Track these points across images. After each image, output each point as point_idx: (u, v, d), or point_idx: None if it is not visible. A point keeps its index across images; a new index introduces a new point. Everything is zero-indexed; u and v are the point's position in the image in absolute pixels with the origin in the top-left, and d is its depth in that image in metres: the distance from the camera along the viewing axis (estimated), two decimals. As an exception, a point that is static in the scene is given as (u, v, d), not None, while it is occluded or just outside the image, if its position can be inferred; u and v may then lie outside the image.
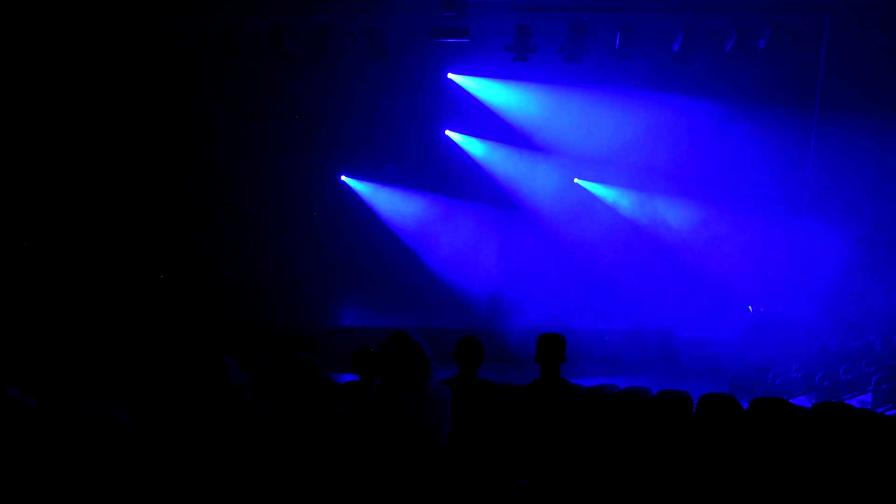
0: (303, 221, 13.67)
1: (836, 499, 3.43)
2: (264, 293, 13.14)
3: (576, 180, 13.53)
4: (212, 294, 12.97)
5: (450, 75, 13.11)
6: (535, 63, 11.66)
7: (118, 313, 12.03)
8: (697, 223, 12.89)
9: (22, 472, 3.34)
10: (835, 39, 11.59)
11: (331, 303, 13.48)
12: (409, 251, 13.74)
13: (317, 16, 10.89)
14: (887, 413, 7.55)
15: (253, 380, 5.55)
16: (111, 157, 12.25)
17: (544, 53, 11.43)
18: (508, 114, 13.33)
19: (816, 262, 11.71)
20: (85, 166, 12.06)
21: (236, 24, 10.89)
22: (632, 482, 3.35)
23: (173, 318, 12.59)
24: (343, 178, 13.81)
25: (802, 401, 8.94)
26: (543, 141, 13.28)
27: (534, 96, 13.12)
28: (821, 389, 9.08)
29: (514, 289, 12.85)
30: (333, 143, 13.48)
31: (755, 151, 12.27)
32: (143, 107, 12.54)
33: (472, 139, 13.68)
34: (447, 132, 13.64)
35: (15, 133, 10.96)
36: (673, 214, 13.13)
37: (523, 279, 13.03)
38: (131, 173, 12.49)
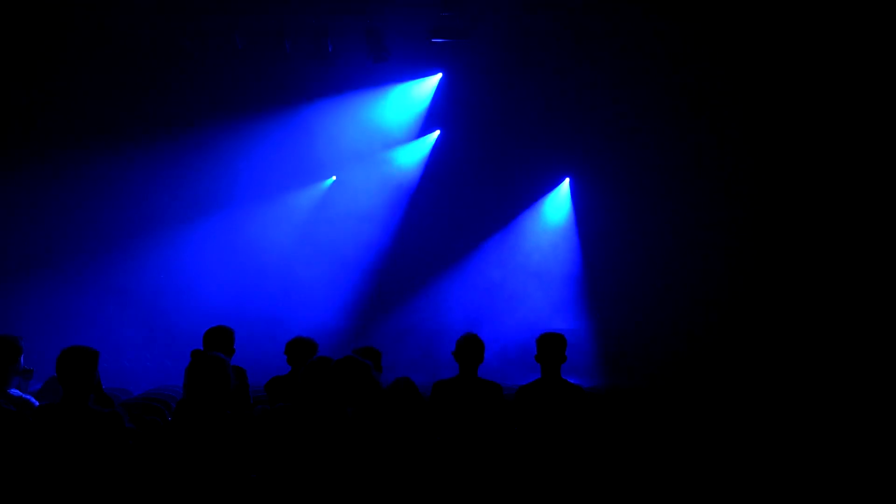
0: (300, 222, 13.65)
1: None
2: (261, 294, 13.10)
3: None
4: (209, 295, 12.94)
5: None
6: None
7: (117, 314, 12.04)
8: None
9: (22, 473, 3.34)
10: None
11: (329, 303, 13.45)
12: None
13: (317, 16, 10.86)
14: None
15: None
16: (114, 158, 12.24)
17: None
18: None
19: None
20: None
21: (236, 24, 10.85)
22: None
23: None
24: (333, 177, 13.78)
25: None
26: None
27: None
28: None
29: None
30: (331, 143, 13.47)
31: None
32: (143, 106, 12.52)
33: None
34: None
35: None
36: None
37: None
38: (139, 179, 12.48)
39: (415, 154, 13.43)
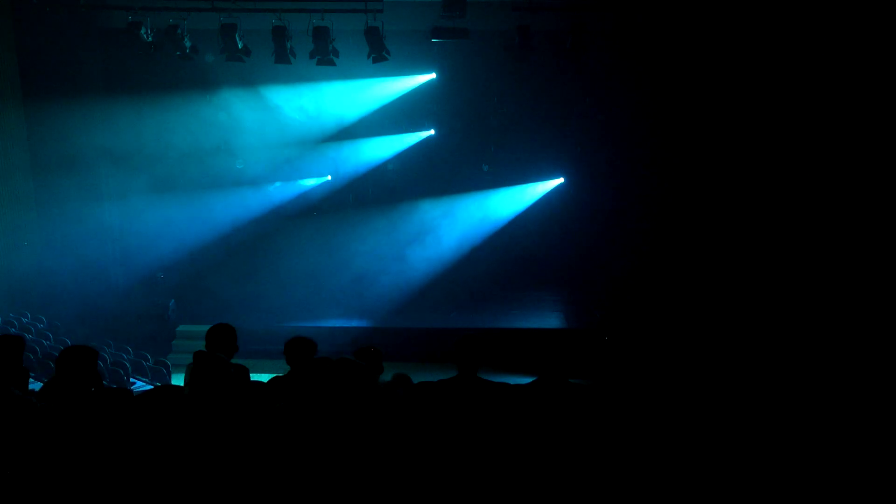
0: (302, 220, 13.70)
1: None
2: (263, 293, 13.13)
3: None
4: (208, 294, 12.97)
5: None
6: None
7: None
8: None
9: (24, 471, 3.35)
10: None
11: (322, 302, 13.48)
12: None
13: (315, 15, 10.87)
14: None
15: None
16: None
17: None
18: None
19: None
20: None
21: (236, 24, 10.85)
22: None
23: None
24: (328, 177, 13.87)
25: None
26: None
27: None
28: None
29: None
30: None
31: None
32: (144, 105, 12.54)
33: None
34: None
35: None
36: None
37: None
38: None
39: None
